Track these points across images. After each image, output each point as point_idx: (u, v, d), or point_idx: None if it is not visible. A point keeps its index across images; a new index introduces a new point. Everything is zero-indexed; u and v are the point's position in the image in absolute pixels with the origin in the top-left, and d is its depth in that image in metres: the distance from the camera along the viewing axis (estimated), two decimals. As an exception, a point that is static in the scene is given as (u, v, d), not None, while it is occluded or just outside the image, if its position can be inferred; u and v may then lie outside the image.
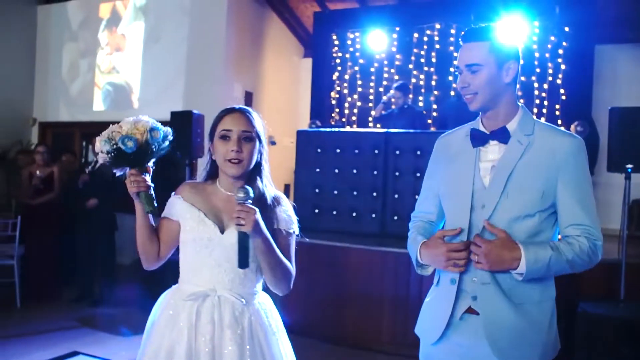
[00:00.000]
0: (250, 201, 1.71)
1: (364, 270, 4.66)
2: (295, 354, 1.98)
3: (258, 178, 1.91)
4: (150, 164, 1.87)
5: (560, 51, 7.05)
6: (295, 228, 1.92)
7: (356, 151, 5.47)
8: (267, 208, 1.86)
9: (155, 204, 1.85)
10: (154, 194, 1.86)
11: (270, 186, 1.94)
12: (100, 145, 1.80)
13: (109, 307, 5.73)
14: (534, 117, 1.86)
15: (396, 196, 5.28)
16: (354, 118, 8.30)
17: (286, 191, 7.46)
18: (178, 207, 1.91)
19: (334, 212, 5.51)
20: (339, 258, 4.76)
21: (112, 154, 1.79)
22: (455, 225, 1.81)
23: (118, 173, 1.87)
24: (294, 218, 1.93)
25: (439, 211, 1.98)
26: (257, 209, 1.70)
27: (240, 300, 1.83)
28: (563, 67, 7.05)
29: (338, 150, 5.56)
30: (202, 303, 1.82)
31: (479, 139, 1.83)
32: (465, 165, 1.83)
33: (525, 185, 1.73)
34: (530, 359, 1.75)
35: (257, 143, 1.88)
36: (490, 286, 1.75)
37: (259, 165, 1.91)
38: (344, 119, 8.32)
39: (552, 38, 7.07)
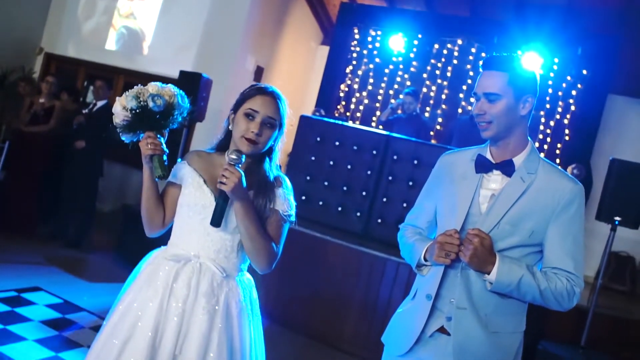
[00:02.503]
0: (240, 165, 1.73)
1: (339, 266, 4.67)
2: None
3: (267, 160, 1.92)
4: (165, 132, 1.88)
5: (574, 92, 7.07)
6: (292, 213, 1.91)
7: (355, 148, 5.46)
8: (268, 187, 1.88)
9: (167, 170, 1.85)
10: (167, 160, 1.85)
11: (275, 169, 1.95)
12: (126, 101, 1.79)
13: (80, 251, 5.70)
14: (539, 155, 1.87)
15: (384, 200, 5.27)
16: (358, 114, 8.28)
17: (277, 172, 7.42)
18: (182, 171, 1.92)
19: (321, 203, 5.50)
20: (316, 249, 4.76)
21: (136, 112, 1.78)
22: None
23: (127, 141, 1.86)
24: (293, 203, 1.92)
25: (428, 227, 2.00)
26: (242, 174, 1.72)
27: (220, 272, 1.84)
28: (573, 108, 7.08)
29: (337, 143, 5.54)
30: (182, 266, 1.83)
31: (483, 166, 1.84)
32: (467, 188, 1.84)
33: (518, 222, 1.75)
34: None
35: (277, 131, 1.89)
36: (466, 311, 1.76)
37: (271, 149, 1.92)
38: (348, 113, 8.31)
39: (569, 78, 7.09)
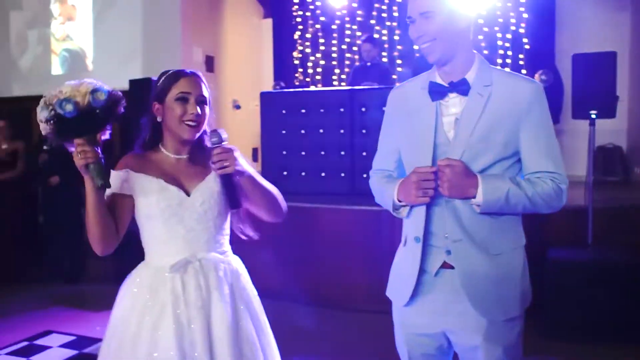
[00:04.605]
0: (225, 142, 1.71)
1: (337, 230, 4.65)
2: (270, 318, 1.97)
3: (203, 139, 1.88)
4: (106, 134, 1.67)
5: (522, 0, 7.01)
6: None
7: (321, 110, 5.40)
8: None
9: (107, 178, 1.64)
10: (103, 166, 1.63)
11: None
12: (38, 113, 1.58)
13: (81, 284, 5.65)
14: (490, 64, 1.79)
15: (364, 154, 5.23)
16: (318, 77, 8.19)
17: (254, 155, 7.35)
18: (131, 180, 1.77)
19: (303, 174, 5.45)
20: (310, 219, 4.73)
21: (53, 122, 1.56)
22: None
23: (71, 148, 1.61)
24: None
25: (397, 167, 1.93)
26: (235, 147, 1.71)
27: (221, 257, 1.83)
28: (525, 15, 7.02)
29: (303, 111, 5.47)
30: (184, 272, 1.75)
31: (437, 93, 1.75)
32: (426, 119, 1.76)
33: (488, 137, 1.69)
34: (507, 308, 1.73)
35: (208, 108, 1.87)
36: (463, 242, 1.71)
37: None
38: (308, 79, 8.22)
39: (514, -14, 7.02)
